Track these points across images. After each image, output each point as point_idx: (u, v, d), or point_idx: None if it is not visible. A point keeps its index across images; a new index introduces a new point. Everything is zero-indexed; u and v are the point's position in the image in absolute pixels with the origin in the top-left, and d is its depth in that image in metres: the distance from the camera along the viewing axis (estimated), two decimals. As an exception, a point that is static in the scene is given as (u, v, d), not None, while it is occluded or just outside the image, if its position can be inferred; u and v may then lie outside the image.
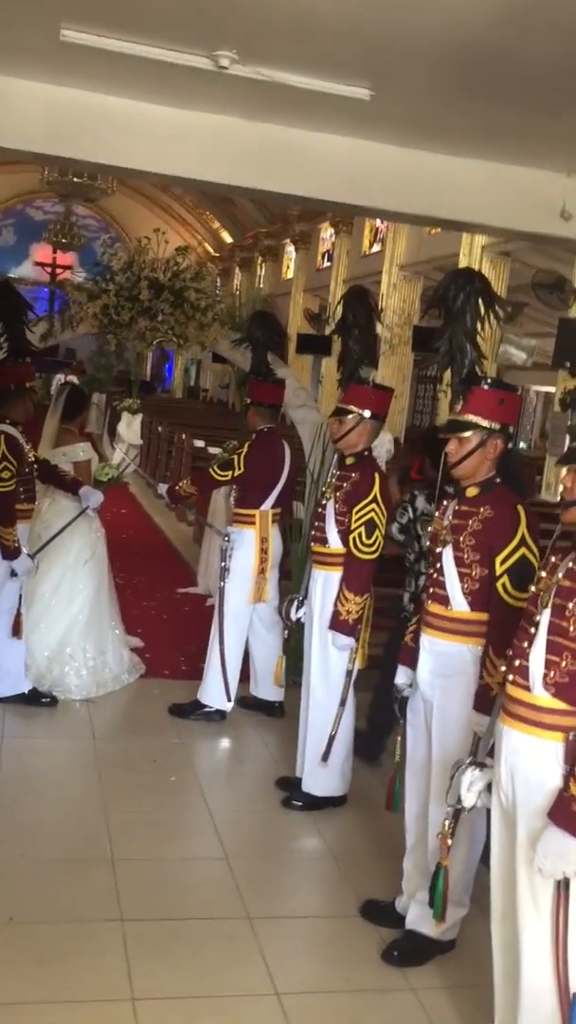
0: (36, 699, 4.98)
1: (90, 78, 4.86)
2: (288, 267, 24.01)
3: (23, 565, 4.77)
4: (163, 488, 5.39)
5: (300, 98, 4.63)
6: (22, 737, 4.65)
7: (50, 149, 5.21)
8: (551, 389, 15.33)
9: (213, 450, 10.48)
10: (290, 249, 23.47)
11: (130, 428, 13.03)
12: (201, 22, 3.97)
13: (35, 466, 4.96)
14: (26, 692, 4.97)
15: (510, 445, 3.08)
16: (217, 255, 28.43)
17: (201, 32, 4.08)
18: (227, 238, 27.85)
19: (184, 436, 12.06)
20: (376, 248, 18.03)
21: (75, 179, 23.59)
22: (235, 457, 5.09)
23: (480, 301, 3.04)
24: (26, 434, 4.92)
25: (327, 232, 20.83)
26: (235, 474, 5.04)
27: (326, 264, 20.92)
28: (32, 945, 3.01)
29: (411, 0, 3.54)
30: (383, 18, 3.73)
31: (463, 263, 13.61)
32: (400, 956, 3.13)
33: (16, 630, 4.84)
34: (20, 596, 4.85)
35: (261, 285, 24.97)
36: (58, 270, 26.87)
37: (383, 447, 8.44)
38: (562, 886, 2.35)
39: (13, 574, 4.75)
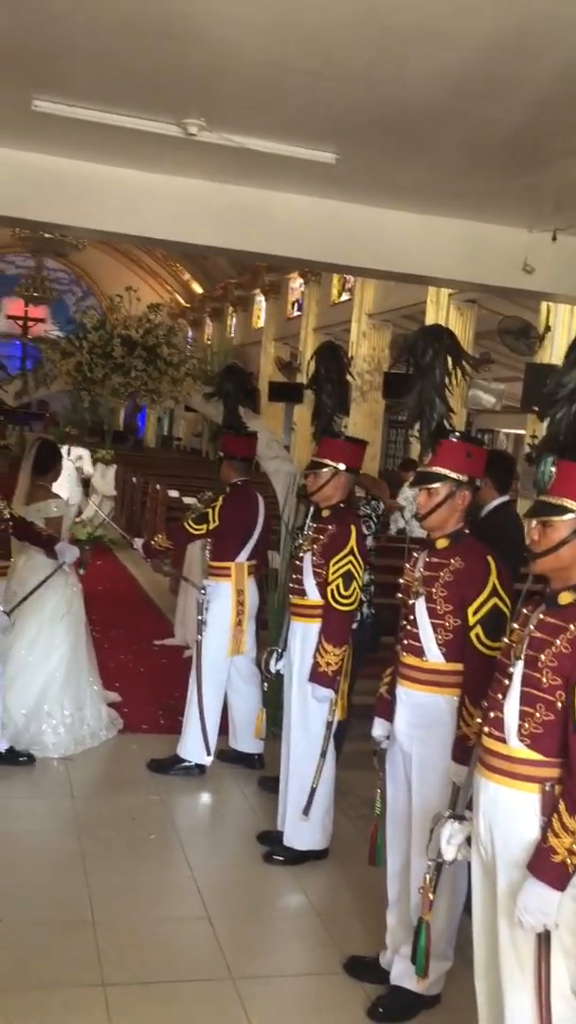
0: (13, 758, 4.93)
1: (61, 144, 4.97)
2: (259, 316, 24.27)
3: (0, 623, 4.76)
4: (139, 543, 5.41)
5: (267, 161, 4.77)
6: (0, 798, 4.60)
7: (21, 213, 5.31)
8: (522, 431, 15.56)
9: (188, 500, 10.51)
10: (260, 299, 23.75)
11: (104, 479, 13.06)
12: (170, 92, 4.10)
13: (10, 523, 4.97)
14: (2, 751, 4.93)
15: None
16: (188, 305, 28.71)
17: (170, 101, 4.20)
18: (198, 289, 28.15)
19: (158, 487, 12.09)
20: (345, 297, 18.29)
21: (46, 235, 23.80)
22: (210, 511, 5.12)
23: (449, 357, 3.12)
24: (1, 490, 4.94)
25: (296, 282, 21.12)
26: (210, 527, 5.07)
27: (296, 313, 21.18)
28: (14, 1012, 2.97)
29: (373, 73, 3.68)
30: (346, 89, 3.87)
31: (430, 310, 13.85)
32: (386, 1012, 3.12)
33: (-8, 689, 4.82)
34: (-3, 654, 4.84)
35: (232, 334, 25.22)
36: (30, 323, 27.05)
37: (404, 495, 8.81)
38: (543, 938, 2.36)
39: (-10, 632, 4.74)
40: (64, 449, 9.66)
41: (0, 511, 4.81)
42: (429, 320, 13.69)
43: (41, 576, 5.28)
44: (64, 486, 8.77)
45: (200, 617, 5.09)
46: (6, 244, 27.38)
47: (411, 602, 3.11)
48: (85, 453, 11.54)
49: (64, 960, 3.29)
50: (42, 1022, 2.94)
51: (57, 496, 5.69)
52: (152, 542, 5.33)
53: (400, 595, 3.19)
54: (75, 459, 11.08)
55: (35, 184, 5.12)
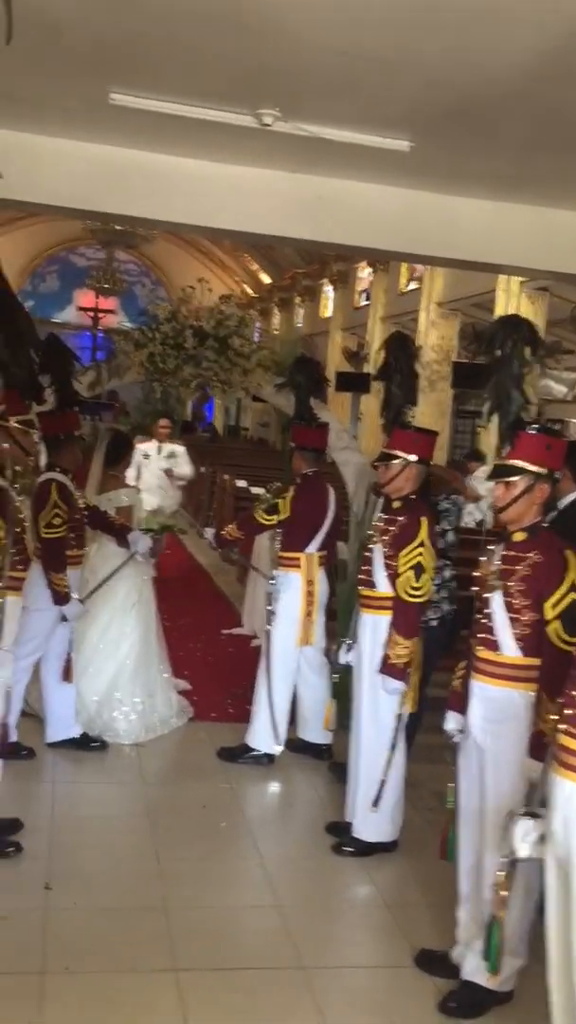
0: (86, 744, 5.03)
1: (135, 136, 5.01)
2: (326, 306, 24.21)
3: (74, 610, 4.85)
4: (210, 533, 5.45)
5: (340, 151, 4.74)
6: (73, 782, 4.69)
7: (96, 206, 5.37)
8: (593, 423, 15.25)
9: (256, 490, 10.55)
10: (328, 288, 23.69)
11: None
12: (244, 82, 4.10)
13: (85, 512, 5.05)
14: (77, 737, 5.02)
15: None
16: (256, 295, 28.77)
17: (244, 92, 4.20)
18: (265, 279, 28.19)
19: (226, 476, 12.17)
20: (413, 286, 18.13)
21: (117, 227, 24.07)
22: (280, 501, 5.14)
23: (527, 349, 3.07)
24: (75, 480, 5.02)
25: (364, 271, 21.00)
26: (281, 518, 5.09)
27: (364, 302, 21.07)
28: (89, 995, 3.03)
29: (448, 59, 3.63)
30: (422, 76, 3.82)
31: (500, 299, 13.66)
32: (458, 1007, 3.10)
33: (67, 675, 4.91)
34: (70, 641, 4.93)
35: (299, 324, 25.21)
36: (100, 314, 27.40)
37: (483, 485, 8.44)
38: (621, 940, 2.32)
39: (64, 619, 4.83)
40: (151, 446, 8.76)
41: (75, 500, 4.89)
42: (499, 308, 13.50)
43: (113, 565, 5.37)
44: (154, 490, 8.13)
45: (270, 607, 5.12)
46: (77, 236, 27.77)
47: (486, 596, 3.08)
48: (180, 450, 9.13)
49: (137, 945, 3.34)
50: (116, 1005, 2.99)
51: (128, 486, 5.78)
52: (223, 532, 5.36)
53: (475, 588, 3.16)
54: (167, 456, 8.98)
55: (110, 177, 5.17)
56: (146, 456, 8.65)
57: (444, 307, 16.19)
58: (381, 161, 4.87)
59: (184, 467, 9.07)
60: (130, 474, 7.72)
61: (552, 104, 4.04)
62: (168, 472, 8.77)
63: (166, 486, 8.67)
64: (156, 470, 8.70)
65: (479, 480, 9.84)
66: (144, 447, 8.68)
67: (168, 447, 8.93)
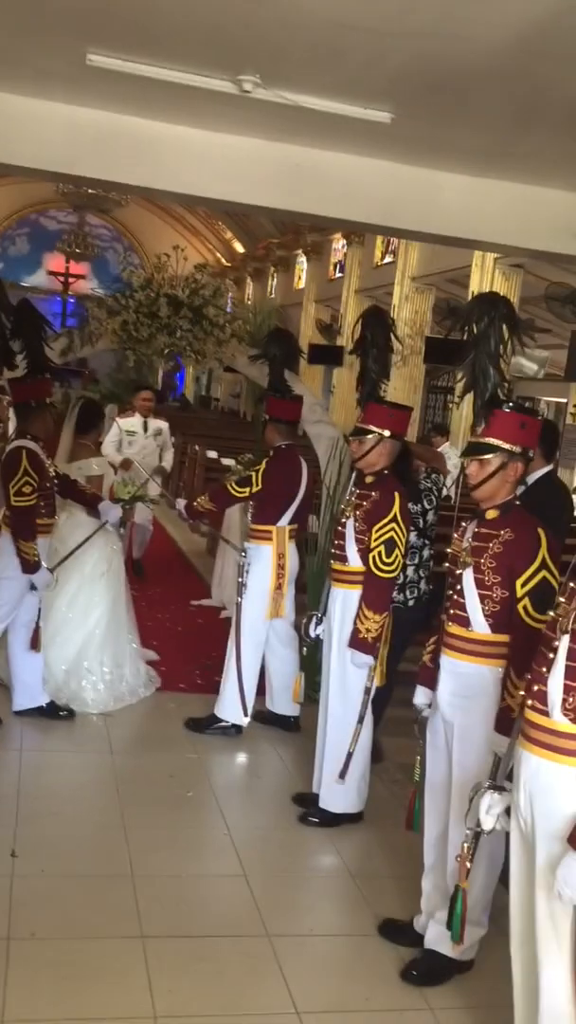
0: (54, 712, 5.02)
1: (113, 100, 4.92)
2: (300, 277, 24.07)
3: (43, 579, 4.82)
4: (181, 504, 5.43)
5: (321, 120, 4.69)
6: (40, 751, 4.69)
7: (73, 169, 5.28)
8: (563, 400, 15.35)
9: (226, 461, 10.53)
10: (302, 260, 23.54)
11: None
12: (225, 47, 4.03)
13: (55, 481, 5.01)
14: (44, 705, 5.02)
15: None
16: (229, 264, 28.54)
17: (225, 57, 4.14)
18: (239, 248, 27.96)
19: (197, 447, 12.12)
20: (388, 259, 18.07)
21: (89, 191, 23.72)
22: (253, 473, 5.13)
23: (504, 326, 3.08)
24: (46, 449, 4.98)
25: (339, 243, 20.88)
26: (253, 490, 5.08)
27: (338, 275, 20.97)
28: (55, 962, 3.05)
29: (438, 29, 3.58)
30: (407, 46, 3.78)
31: (475, 275, 13.64)
32: (419, 975, 3.16)
33: (35, 643, 4.89)
34: (39, 610, 4.90)
35: (273, 295, 25.06)
36: (71, 280, 27.06)
37: (450, 460, 7.69)
38: (583, 911, 2.37)
39: (32, 588, 4.80)
40: (135, 422, 7.98)
41: (46, 469, 4.85)
42: (474, 284, 13.49)
43: (82, 534, 5.34)
44: (140, 470, 6.80)
45: (240, 579, 5.12)
46: (48, 199, 27.35)
47: (458, 572, 3.10)
48: (165, 426, 8.36)
49: (104, 912, 3.36)
50: (82, 971, 3.01)
51: (99, 455, 5.73)
52: (195, 503, 5.34)
53: (447, 564, 3.18)
54: (154, 434, 8.19)
55: (88, 140, 5.08)
56: (131, 433, 7.98)
57: (418, 282, 16.15)
58: (362, 132, 4.83)
59: (168, 453, 8.40)
60: (108, 450, 7.28)
61: (536, 81, 4.02)
62: (159, 471, 8.05)
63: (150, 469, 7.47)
64: (147, 450, 7.96)
65: (447, 454, 9.82)
66: (126, 423, 8.06)
67: (154, 423, 8.20)
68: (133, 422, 8.08)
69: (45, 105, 4.99)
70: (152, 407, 8.28)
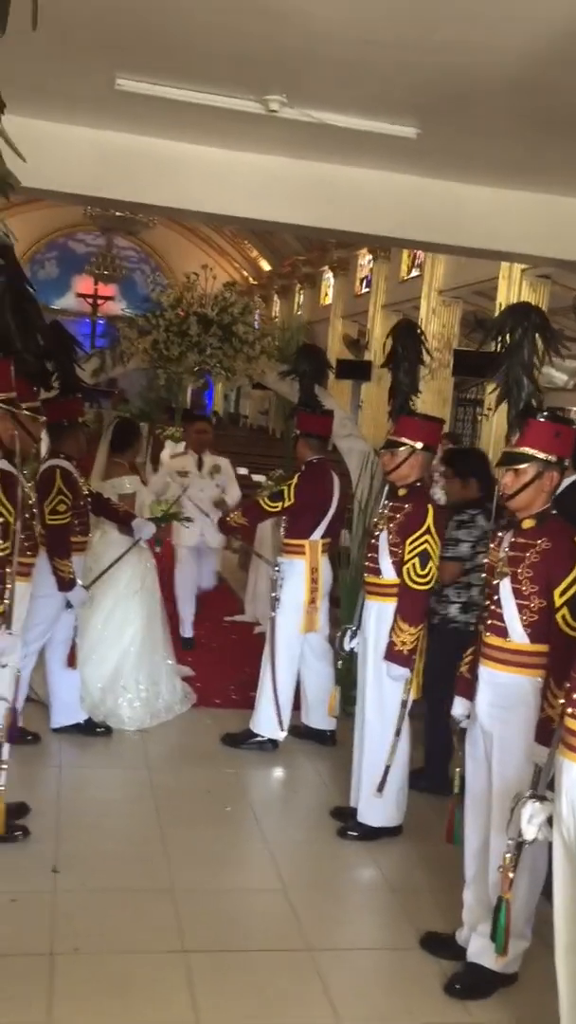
0: (91, 729, 5.06)
1: (140, 123, 5.00)
2: (326, 293, 24.16)
3: (78, 596, 4.86)
4: (214, 518, 5.45)
5: (346, 137, 4.73)
6: (79, 767, 4.72)
7: (101, 192, 5.36)
8: (593, 412, 15.23)
9: (257, 477, 10.56)
10: (328, 276, 23.63)
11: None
12: (251, 68, 4.09)
13: (89, 499, 5.06)
14: (81, 722, 5.05)
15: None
16: (256, 282, 28.70)
17: (251, 77, 4.19)
18: (265, 266, 28.11)
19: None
20: (415, 273, 18.09)
21: (117, 213, 23.98)
22: (285, 488, 5.15)
23: (537, 336, 3.08)
24: (80, 467, 5.03)
25: (365, 258, 20.94)
26: (285, 505, 5.10)
27: (364, 290, 21.02)
28: (98, 976, 3.06)
29: (459, 42, 3.62)
30: (431, 61, 3.81)
31: (502, 287, 13.63)
32: (463, 989, 3.13)
33: (71, 661, 4.93)
34: (74, 627, 4.94)
35: (299, 312, 25.15)
36: (99, 301, 27.33)
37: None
38: (630, 921, 2.34)
39: (68, 605, 4.84)
40: (188, 461, 6.76)
41: (79, 487, 4.90)
42: (501, 296, 13.47)
43: (116, 551, 5.39)
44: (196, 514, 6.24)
45: (274, 594, 5.13)
46: (77, 223, 27.67)
47: (495, 582, 3.10)
48: (224, 463, 6.95)
49: (145, 927, 3.37)
50: (125, 986, 3.02)
51: (132, 473, 5.78)
52: (228, 518, 5.37)
53: (484, 575, 3.18)
54: (210, 471, 6.79)
55: (117, 163, 5.16)
56: (182, 475, 6.69)
57: (445, 295, 16.15)
58: (387, 147, 4.86)
59: (233, 489, 6.84)
60: (155, 487, 6.32)
61: (561, 92, 4.03)
62: (220, 503, 6.59)
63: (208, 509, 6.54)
64: (203, 495, 6.57)
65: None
66: (177, 462, 6.92)
67: (211, 459, 6.79)
68: (184, 461, 6.86)
69: (73, 130, 5.07)
70: (210, 440, 6.92)
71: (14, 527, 3.55)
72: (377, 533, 4.25)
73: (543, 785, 2.72)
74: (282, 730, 5.12)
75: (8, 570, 3.53)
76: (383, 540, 4.19)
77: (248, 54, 3.94)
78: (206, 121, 4.76)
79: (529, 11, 3.32)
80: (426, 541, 4.05)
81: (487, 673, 3.13)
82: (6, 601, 3.26)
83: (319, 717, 5.23)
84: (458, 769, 3.33)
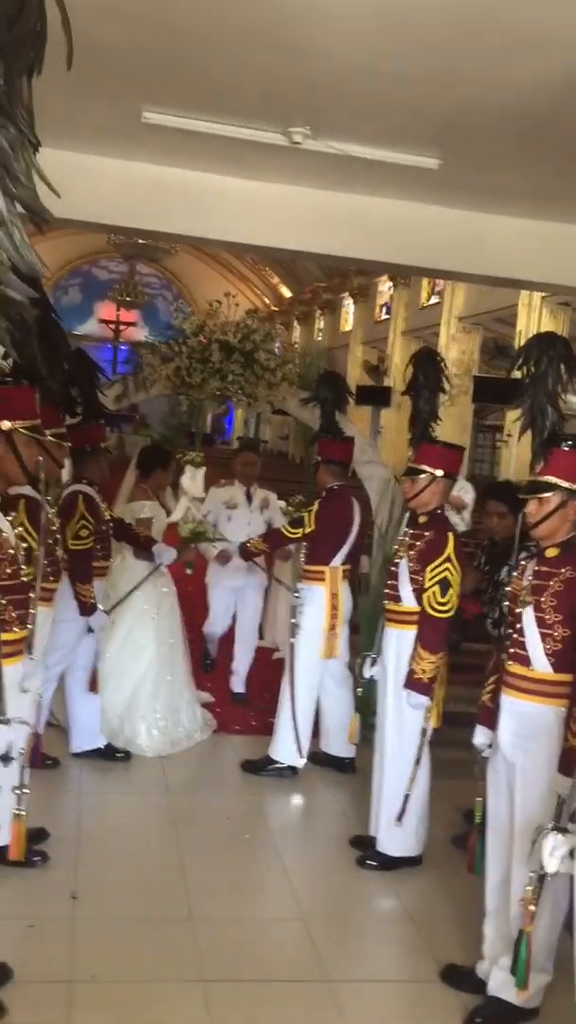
0: (111, 754, 5.06)
1: (165, 154, 5.07)
2: (346, 320, 24.30)
3: (99, 621, 4.88)
4: (234, 545, 5.47)
5: (369, 168, 4.78)
6: (98, 792, 4.72)
7: (126, 222, 5.44)
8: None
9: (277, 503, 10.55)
10: (348, 302, 23.78)
11: (194, 481, 13.18)
12: (276, 101, 4.14)
13: (110, 524, 5.09)
14: (101, 747, 5.05)
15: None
16: (276, 309, 28.90)
17: (276, 110, 4.25)
18: (286, 292, 28.32)
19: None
20: (434, 300, 18.18)
21: (140, 240, 24.27)
22: (305, 514, 5.16)
23: (562, 365, 3.10)
24: (102, 493, 5.07)
25: (385, 285, 21.08)
26: (306, 531, 5.11)
27: (384, 316, 21.14)
28: (116, 1004, 3.04)
29: (483, 77, 3.66)
30: (454, 94, 3.86)
31: (522, 314, 13.67)
32: (484, 1022, 3.10)
33: (92, 686, 4.94)
34: (95, 652, 4.96)
35: (320, 338, 25.28)
36: (121, 327, 27.60)
37: (468, 494, 6.79)
38: None
39: (89, 630, 4.86)
40: (236, 492, 6.48)
41: (101, 512, 4.94)
42: (521, 323, 13.51)
43: (133, 576, 5.40)
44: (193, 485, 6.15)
45: (294, 620, 5.14)
46: (100, 250, 28.04)
47: (518, 611, 3.09)
48: (273, 497, 6.68)
49: (163, 955, 3.35)
50: (143, 1014, 3.01)
51: (153, 499, 5.78)
52: (248, 544, 5.39)
53: (507, 603, 3.17)
54: (260, 505, 6.55)
55: (140, 193, 5.23)
56: (230, 506, 6.46)
57: (465, 321, 16.22)
58: (409, 178, 4.91)
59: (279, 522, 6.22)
60: (177, 514, 5.95)
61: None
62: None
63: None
64: (250, 529, 6.11)
65: (464, 489, 9.63)
66: (223, 493, 6.52)
67: (260, 493, 6.55)
68: (232, 492, 6.54)
69: (100, 161, 5.15)
70: (257, 473, 6.60)
71: (37, 552, 3.58)
72: (397, 560, 4.25)
73: (566, 817, 2.69)
74: (301, 757, 5.10)
75: (31, 595, 3.55)
76: (403, 567, 4.19)
77: (272, 88, 4.00)
78: (231, 152, 4.82)
79: (548, 45, 3.36)
80: (447, 569, 4.05)
81: (509, 702, 3.12)
82: (29, 626, 3.28)
83: (339, 744, 5.21)
84: (479, 799, 3.31)
